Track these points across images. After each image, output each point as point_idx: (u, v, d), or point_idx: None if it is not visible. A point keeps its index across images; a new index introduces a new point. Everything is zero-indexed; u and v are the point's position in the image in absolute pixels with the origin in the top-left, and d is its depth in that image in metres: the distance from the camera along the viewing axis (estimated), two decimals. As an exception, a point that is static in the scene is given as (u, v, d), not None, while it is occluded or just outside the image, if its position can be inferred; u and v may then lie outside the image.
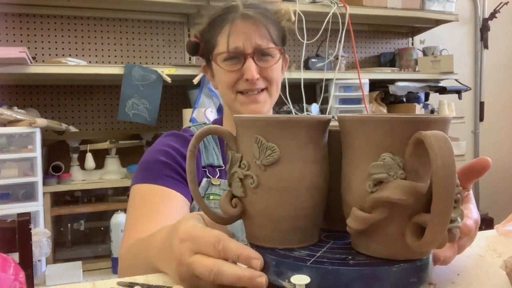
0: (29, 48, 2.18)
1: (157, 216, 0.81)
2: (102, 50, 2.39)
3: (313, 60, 2.51)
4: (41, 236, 1.73)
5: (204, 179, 0.93)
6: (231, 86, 0.95)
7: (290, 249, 0.51)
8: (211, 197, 0.91)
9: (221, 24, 0.95)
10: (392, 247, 0.47)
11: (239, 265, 0.49)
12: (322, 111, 2.54)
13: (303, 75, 2.39)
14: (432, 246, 0.44)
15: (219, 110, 2.15)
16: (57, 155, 2.15)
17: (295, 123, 0.50)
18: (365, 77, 2.53)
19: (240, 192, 0.52)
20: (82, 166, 2.15)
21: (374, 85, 2.64)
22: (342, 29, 2.43)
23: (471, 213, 0.56)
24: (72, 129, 2.25)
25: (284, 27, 1.01)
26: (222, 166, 0.96)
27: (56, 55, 2.29)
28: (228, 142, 0.54)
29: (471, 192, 0.62)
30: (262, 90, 0.96)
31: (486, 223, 2.74)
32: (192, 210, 0.90)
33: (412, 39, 3.13)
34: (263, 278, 0.47)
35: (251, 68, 0.92)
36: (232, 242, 0.49)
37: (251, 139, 0.51)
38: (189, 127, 1.04)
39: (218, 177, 0.94)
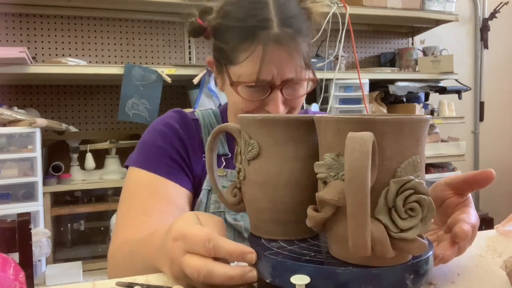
0: (29, 48, 2.18)
1: (145, 216, 0.79)
2: (102, 50, 2.39)
3: (313, 60, 2.50)
4: (41, 236, 1.73)
5: None
6: (246, 112, 0.82)
7: (273, 240, 0.54)
8: None
9: (250, 42, 0.78)
10: (346, 249, 0.45)
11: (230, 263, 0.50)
12: (322, 111, 2.54)
13: (303, 75, 2.38)
14: (356, 251, 0.42)
15: (219, 110, 2.15)
16: (57, 155, 2.15)
17: (272, 122, 0.52)
18: (365, 77, 2.53)
19: (237, 183, 0.58)
20: (82, 166, 2.15)
21: (374, 85, 2.63)
22: (342, 29, 2.43)
23: (469, 217, 0.56)
24: (72, 129, 2.25)
25: (312, 30, 0.87)
26: (228, 155, 0.89)
27: (56, 55, 2.29)
28: (236, 137, 0.58)
29: (469, 196, 0.62)
30: None
31: (486, 223, 2.74)
32: (199, 203, 0.86)
33: (412, 39, 3.13)
34: (254, 272, 0.47)
35: (277, 102, 0.80)
36: (223, 240, 0.48)
37: (241, 136, 0.56)
38: (195, 111, 0.95)
39: (224, 167, 0.87)
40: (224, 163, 0.89)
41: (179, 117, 0.90)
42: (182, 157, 0.86)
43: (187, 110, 0.94)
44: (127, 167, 0.89)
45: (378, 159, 0.43)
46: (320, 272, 0.45)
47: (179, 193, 0.84)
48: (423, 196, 0.44)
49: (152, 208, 0.80)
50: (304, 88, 0.85)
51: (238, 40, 0.80)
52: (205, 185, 0.87)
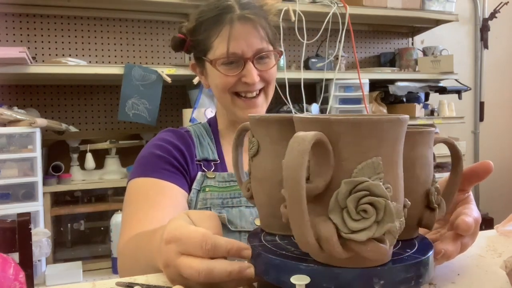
0: (29, 48, 2.18)
1: (152, 209, 0.82)
2: (102, 50, 2.40)
3: (313, 60, 2.51)
4: (41, 236, 1.73)
5: (199, 173, 0.94)
6: (228, 89, 0.94)
7: (272, 234, 0.57)
8: (207, 189, 0.92)
9: (218, 26, 0.93)
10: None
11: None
12: (322, 111, 2.54)
13: (303, 75, 2.39)
14: (302, 248, 0.43)
15: (219, 110, 2.15)
16: (57, 155, 2.15)
17: (267, 121, 0.56)
18: (365, 77, 2.53)
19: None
20: (82, 166, 2.15)
21: (374, 85, 2.64)
22: (342, 29, 2.43)
23: (471, 212, 0.56)
24: (72, 129, 2.25)
25: (270, 22, 0.99)
26: (217, 160, 0.98)
27: (56, 55, 2.29)
28: None
29: (470, 193, 0.62)
30: (259, 91, 0.97)
31: (486, 223, 2.74)
32: (189, 203, 0.91)
33: (412, 39, 3.13)
34: (252, 269, 0.48)
35: (252, 72, 0.92)
36: (219, 239, 0.49)
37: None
38: (186, 127, 1.06)
39: (213, 170, 0.95)
40: (213, 167, 0.96)
41: (172, 133, 0.98)
42: (180, 163, 0.92)
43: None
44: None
45: (335, 159, 0.43)
46: (284, 266, 0.46)
47: (180, 194, 0.89)
48: (378, 199, 0.42)
49: (159, 203, 0.84)
50: (273, 61, 0.97)
51: (209, 28, 0.94)
52: (195, 185, 0.92)
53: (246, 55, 0.92)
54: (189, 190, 0.92)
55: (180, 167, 0.92)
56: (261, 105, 0.97)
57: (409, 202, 0.49)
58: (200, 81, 2.16)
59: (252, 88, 0.94)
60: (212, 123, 1.06)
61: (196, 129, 1.03)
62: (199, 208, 0.90)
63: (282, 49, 2.40)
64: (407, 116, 0.45)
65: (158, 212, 0.81)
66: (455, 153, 0.59)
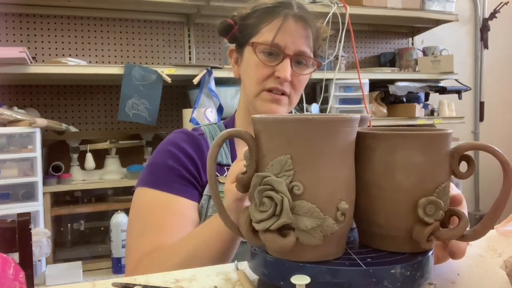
0: (29, 48, 2.17)
1: (162, 234, 0.83)
2: (102, 50, 2.39)
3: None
4: (41, 236, 1.73)
5: None
6: (260, 81, 0.93)
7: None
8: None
9: (272, 16, 0.93)
10: None
11: None
12: (322, 111, 2.54)
13: (303, 75, 2.38)
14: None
15: (219, 110, 2.14)
16: (57, 155, 2.15)
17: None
18: (365, 77, 2.53)
19: None
20: (82, 166, 2.15)
21: (374, 85, 2.63)
22: (342, 29, 2.43)
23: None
24: (72, 129, 2.25)
25: (318, 39, 1.00)
26: (231, 165, 0.94)
27: (56, 55, 2.29)
28: None
29: (459, 192, 0.61)
30: (284, 94, 0.95)
31: (486, 223, 2.74)
32: (200, 209, 0.90)
33: (412, 39, 3.13)
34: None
35: (287, 67, 0.91)
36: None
37: None
38: (200, 126, 1.02)
39: (225, 176, 0.93)
40: (226, 172, 0.94)
41: (185, 137, 0.95)
42: (191, 173, 0.90)
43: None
44: (134, 191, 0.93)
45: (259, 155, 0.48)
46: (284, 266, 0.48)
47: (190, 207, 0.88)
48: (275, 194, 0.45)
49: (166, 225, 0.85)
50: (309, 71, 0.97)
51: (262, 15, 0.94)
52: (206, 191, 0.91)
53: (287, 51, 0.92)
54: (200, 196, 0.91)
55: (191, 177, 0.90)
56: (284, 106, 0.96)
57: (346, 206, 0.47)
58: (200, 81, 2.14)
59: (280, 86, 0.93)
60: (229, 125, 1.03)
61: (212, 131, 1.00)
62: (210, 215, 0.89)
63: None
64: (321, 116, 0.46)
65: (167, 235, 0.83)
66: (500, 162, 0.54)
